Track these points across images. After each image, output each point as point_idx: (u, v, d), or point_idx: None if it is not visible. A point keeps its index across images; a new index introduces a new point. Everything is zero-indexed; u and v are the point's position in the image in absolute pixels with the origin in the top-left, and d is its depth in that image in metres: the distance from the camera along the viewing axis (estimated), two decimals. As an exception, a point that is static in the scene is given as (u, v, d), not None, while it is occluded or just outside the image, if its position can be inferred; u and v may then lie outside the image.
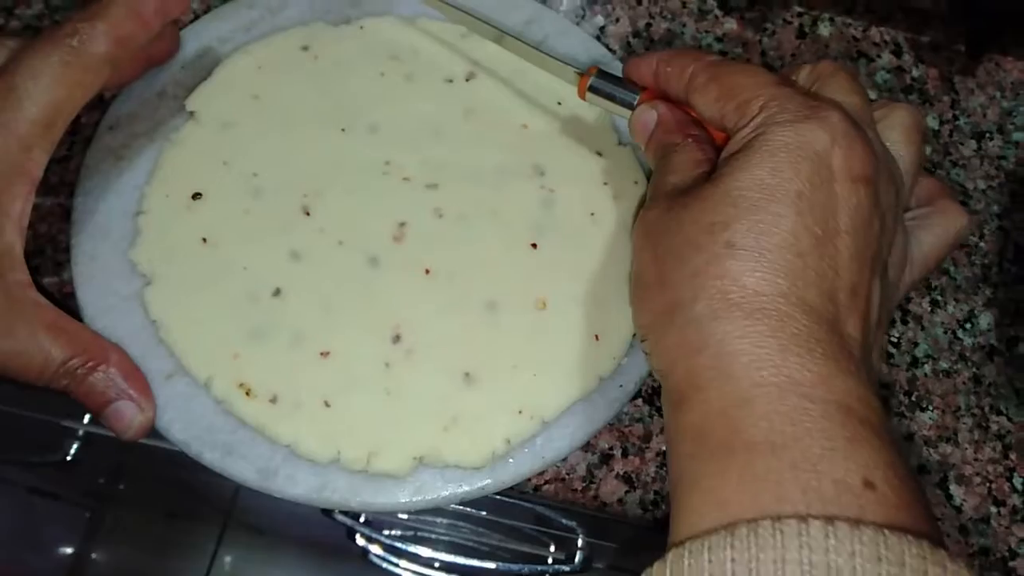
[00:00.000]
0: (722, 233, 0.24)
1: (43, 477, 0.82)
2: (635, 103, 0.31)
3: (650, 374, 0.32)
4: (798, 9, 0.42)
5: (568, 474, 0.32)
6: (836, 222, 0.24)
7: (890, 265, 0.27)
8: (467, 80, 0.35)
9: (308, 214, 0.32)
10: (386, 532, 0.61)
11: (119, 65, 0.29)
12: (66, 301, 0.32)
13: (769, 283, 0.23)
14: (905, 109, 0.29)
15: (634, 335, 0.32)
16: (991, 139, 0.41)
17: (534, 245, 0.32)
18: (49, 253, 0.33)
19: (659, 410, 0.33)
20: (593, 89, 0.31)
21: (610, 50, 0.39)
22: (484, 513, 0.55)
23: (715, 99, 0.28)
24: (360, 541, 0.61)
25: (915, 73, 0.42)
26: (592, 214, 0.33)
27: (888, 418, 0.23)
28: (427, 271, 0.32)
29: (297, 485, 0.29)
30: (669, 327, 0.25)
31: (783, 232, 0.23)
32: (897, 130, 0.28)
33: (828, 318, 0.23)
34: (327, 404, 0.30)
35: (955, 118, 0.41)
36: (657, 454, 0.33)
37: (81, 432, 0.57)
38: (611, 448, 0.33)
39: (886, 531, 0.19)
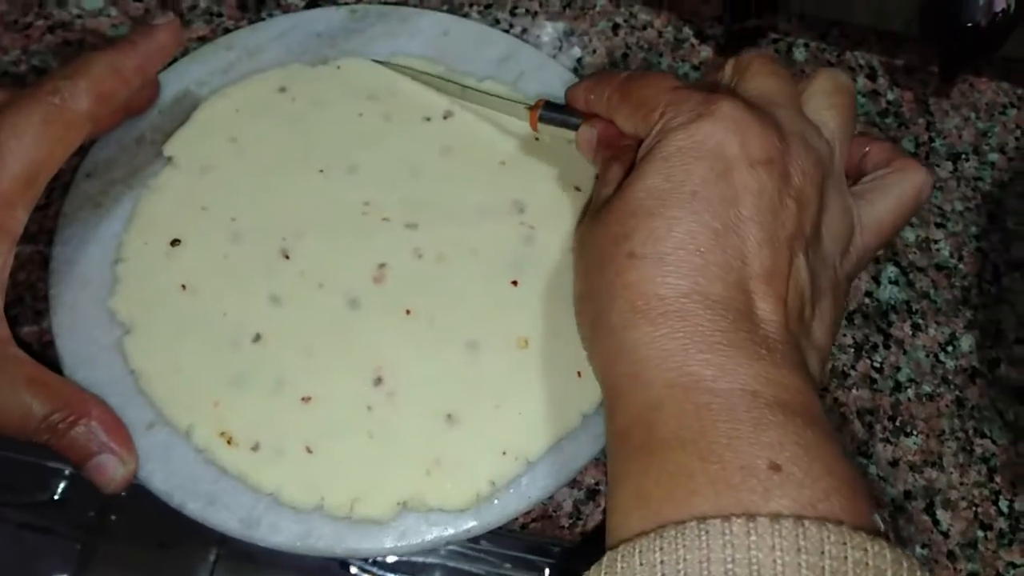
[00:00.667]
0: (624, 244, 0.25)
1: (33, 513, 0.81)
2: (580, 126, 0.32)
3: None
4: (773, 36, 0.43)
5: (555, 511, 0.32)
6: (738, 211, 0.24)
7: (826, 236, 0.26)
8: (445, 118, 0.36)
9: (287, 257, 0.32)
10: (380, 560, 0.61)
11: (100, 120, 0.29)
12: (46, 351, 0.32)
13: (670, 287, 0.24)
14: (824, 75, 0.29)
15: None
16: (967, 160, 0.41)
17: (515, 283, 0.33)
18: (28, 302, 0.33)
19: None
20: (543, 119, 0.33)
21: (587, 82, 0.39)
22: (478, 543, 0.54)
23: (627, 116, 0.29)
24: (354, 571, 0.60)
25: (890, 96, 0.42)
26: (572, 250, 0.33)
27: (811, 393, 0.23)
28: (408, 312, 0.32)
29: (280, 533, 0.29)
30: (597, 338, 0.26)
31: (679, 234, 0.24)
32: (818, 97, 0.28)
33: (739, 308, 0.24)
34: (309, 450, 0.29)
35: (931, 140, 0.41)
36: (643, 488, 0.33)
37: (67, 471, 0.56)
38: (597, 483, 0.33)
39: (805, 522, 0.19)
